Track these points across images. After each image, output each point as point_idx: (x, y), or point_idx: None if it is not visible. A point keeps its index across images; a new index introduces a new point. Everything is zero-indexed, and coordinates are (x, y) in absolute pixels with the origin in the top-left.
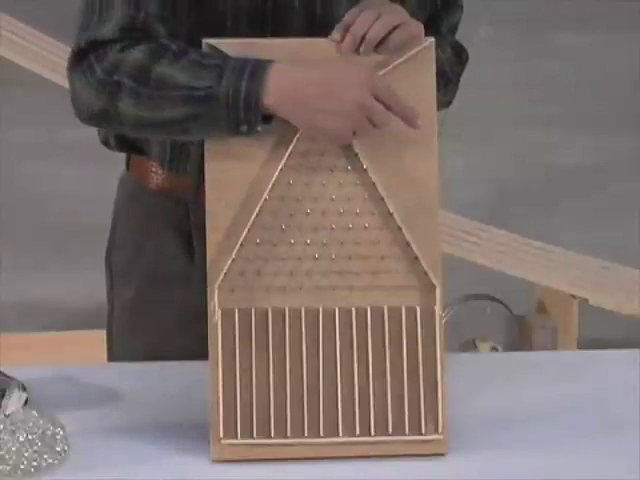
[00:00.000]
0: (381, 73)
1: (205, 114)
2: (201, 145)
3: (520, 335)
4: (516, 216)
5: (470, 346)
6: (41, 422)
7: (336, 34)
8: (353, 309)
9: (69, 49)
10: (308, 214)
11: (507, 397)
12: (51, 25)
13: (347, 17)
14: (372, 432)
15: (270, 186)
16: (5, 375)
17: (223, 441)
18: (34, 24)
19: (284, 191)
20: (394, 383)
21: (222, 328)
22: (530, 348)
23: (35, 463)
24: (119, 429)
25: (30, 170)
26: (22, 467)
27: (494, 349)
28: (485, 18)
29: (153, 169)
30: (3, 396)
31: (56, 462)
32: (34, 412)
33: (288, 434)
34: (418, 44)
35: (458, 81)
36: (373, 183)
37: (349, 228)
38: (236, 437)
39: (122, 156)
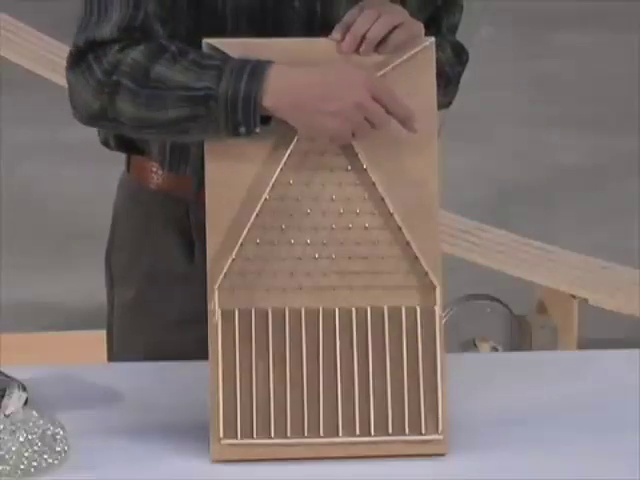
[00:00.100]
0: (381, 73)
1: (204, 115)
2: (201, 145)
3: (520, 335)
4: (516, 216)
5: (470, 346)
6: (41, 422)
7: (336, 34)
8: (353, 309)
9: (69, 49)
10: (308, 214)
11: (507, 397)
12: (51, 25)
13: (347, 17)
14: (372, 432)
15: (270, 186)
16: (5, 375)
17: (223, 441)
18: (34, 24)
19: (284, 191)
20: (394, 383)
21: (222, 328)
22: (530, 348)
23: (35, 463)
24: (119, 429)
25: (30, 170)
26: (22, 467)
27: (494, 349)
28: (486, 18)
29: (153, 169)
30: (3, 396)
31: (56, 462)
32: (34, 412)
33: (288, 434)
34: (418, 44)
35: (458, 82)
36: (373, 183)
37: (349, 228)
38: (236, 437)
39: (122, 156)
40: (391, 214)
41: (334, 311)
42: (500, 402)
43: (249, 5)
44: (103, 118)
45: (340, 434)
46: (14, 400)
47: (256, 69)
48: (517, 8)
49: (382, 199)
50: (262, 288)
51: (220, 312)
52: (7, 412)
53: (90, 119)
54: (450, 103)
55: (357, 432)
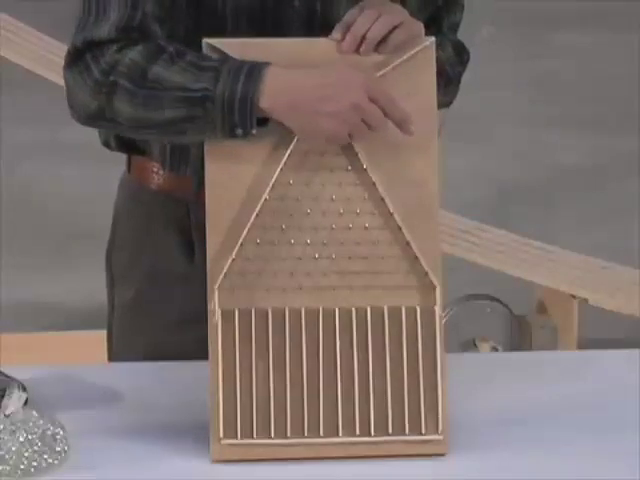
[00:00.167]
0: (381, 73)
1: (201, 116)
2: (201, 146)
3: (520, 335)
4: (516, 216)
5: (470, 346)
6: (41, 422)
7: (336, 34)
8: (353, 309)
9: (67, 49)
10: (308, 214)
11: (507, 397)
12: (51, 25)
13: (347, 17)
14: (372, 432)
15: (270, 186)
16: (5, 375)
17: (223, 441)
18: (34, 24)
19: (284, 191)
20: (394, 383)
21: (222, 328)
22: (530, 348)
23: (35, 463)
24: (119, 429)
25: (30, 170)
26: (22, 467)
27: (494, 349)
28: (486, 18)
29: (154, 169)
30: (3, 396)
31: (56, 462)
32: (34, 412)
33: (288, 434)
34: (418, 44)
35: (459, 81)
36: (373, 183)
37: (349, 228)
38: (236, 437)
39: (122, 156)
40: (391, 214)
41: (334, 311)
42: (500, 402)
43: (249, 5)
44: (101, 118)
45: (340, 434)
46: (14, 400)
47: (253, 70)
48: (517, 8)
49: (382, 199)
50: (262, 288)
51: (220, 312)
52: (7, 412)
53: (88, 119)
54: (451, 102)
55: (357, 432)
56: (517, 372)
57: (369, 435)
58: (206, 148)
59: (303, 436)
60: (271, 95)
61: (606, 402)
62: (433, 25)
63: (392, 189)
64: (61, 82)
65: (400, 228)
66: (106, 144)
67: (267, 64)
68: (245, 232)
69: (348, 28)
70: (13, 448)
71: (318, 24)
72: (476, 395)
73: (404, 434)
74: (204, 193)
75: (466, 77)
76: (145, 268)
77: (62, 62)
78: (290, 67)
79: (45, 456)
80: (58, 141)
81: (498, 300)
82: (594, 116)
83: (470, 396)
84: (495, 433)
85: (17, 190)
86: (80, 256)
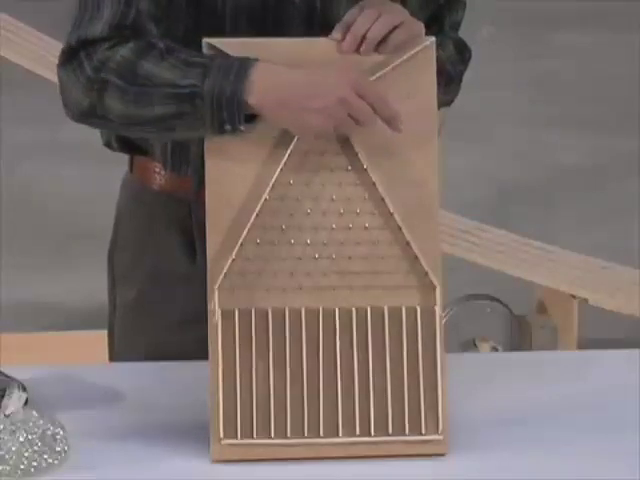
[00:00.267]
0: (381, 73)
1: (189, 112)
2: (202, 145)
3: (520, 335)
4: (516, 216)
5: (470, 346)
6: (41, 422)
7: (336, 34)
8: (353, 309)
9: (62, 47)
10: (308, 214)
11: (507, 397)
12: (51, 25)
13: (347, 16)
14: (372, 432)
15: (270, 186)
16: (5, 375)
17: (223, 441)
18: (34, 24)
19: (284, 191)
20: (394, 383)
21: (222, 328)
22: (530, 348)
23: (35, 463)
24: (119, 429)
25: (30, 170)
26: (22, 467)
27: (494, 349)
28: (487, 18)
29: (156, 170)
30: (3, 396)
31: (56, 462)
32: (34, 412)
33: (288, 434)
34: (418, 43)
35: (460, 80)
36: (373, 183)
37: (349, 228)
38: (236, 437)
39: (122, 156)
40: (391, 214)
41: (334, 311)
42: (500, 402)
43: (249, 3)
44: (92, 115)
45: (340, 434)
46: (14, 400)
47: (241, 67)
48: (517, 8)
49: (382, 199)
50: (262, 288)
51: (220, 312)
52: (7, 412)
53: (80, 116)
54: (452, 101)
55: (357, 432)
56: (517, 372)
57: (369, 435)
58: (206, 147)
59: (303, 436)
60: (259, 92)
61: (606, 402)
62: (435, 23)
63: (392, 189)
64: None
65: (400, 228)
66: (108, 145)
67: (255, 61)
68: (245, 232)
69: (348, 28)
70: (13, 448)
71: (318, 22)
72: (476, 395)
73: (404, 434)
74: (204, 192)
75: (466, 77)
76: (147, 268)
77: None
78: (277, 64)
79: (45, 456)
80: (58, 141)
81: (498, 300)
82: (594, 116)
83: (470, 396)
84: (495, 433)
85: (17, 190)
86: (80, 256)
